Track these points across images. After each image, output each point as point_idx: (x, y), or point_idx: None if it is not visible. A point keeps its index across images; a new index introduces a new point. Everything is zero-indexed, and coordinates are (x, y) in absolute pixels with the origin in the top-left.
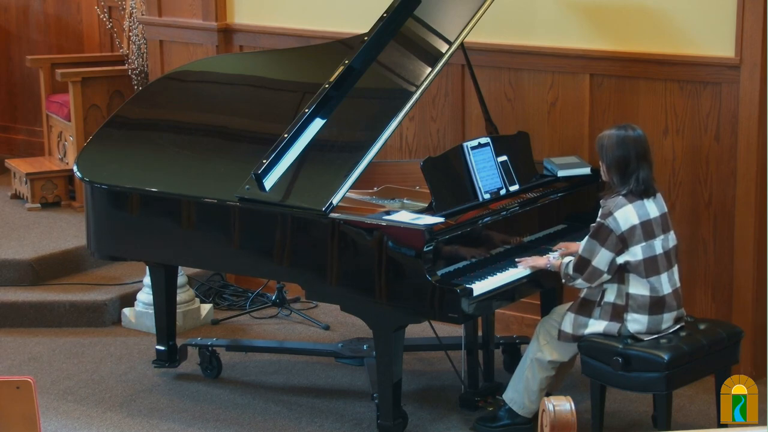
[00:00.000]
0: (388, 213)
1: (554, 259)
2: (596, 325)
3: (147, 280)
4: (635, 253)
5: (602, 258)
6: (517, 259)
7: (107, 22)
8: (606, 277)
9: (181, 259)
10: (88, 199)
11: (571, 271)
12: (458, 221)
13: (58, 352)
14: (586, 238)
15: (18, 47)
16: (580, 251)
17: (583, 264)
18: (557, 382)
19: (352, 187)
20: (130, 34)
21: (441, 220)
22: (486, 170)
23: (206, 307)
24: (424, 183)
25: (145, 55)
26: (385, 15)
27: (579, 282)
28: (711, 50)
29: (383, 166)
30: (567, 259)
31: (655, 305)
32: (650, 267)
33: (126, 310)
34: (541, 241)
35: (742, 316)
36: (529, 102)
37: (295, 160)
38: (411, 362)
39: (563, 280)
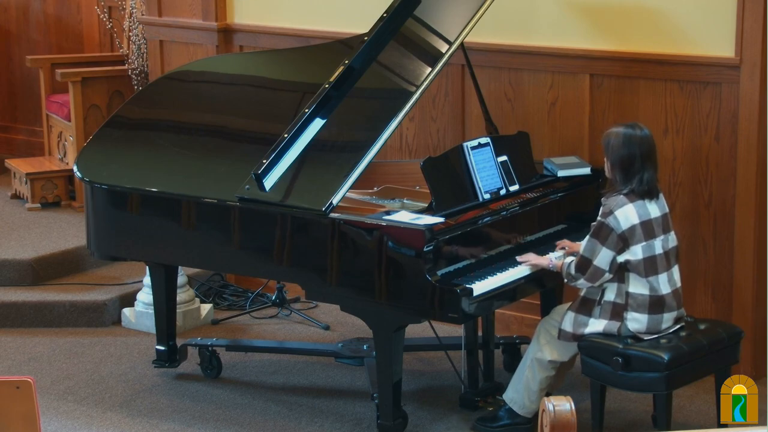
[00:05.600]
0: (388, 213)
1: (557, 259)
2: (596, 324)
3: (147, 280)
4: (635, 253)
5: (603, 257)
6: (518, 257)
7: (107, 22)
8: (608, 276)
9: (181, 259)
10: (88, 199)
11: (573, 271)
12: (458, 221)
13: (58, 352)
14: (587, 237)
15: (18, 47)
16: (581, 251)
17: (584, 264)
18: (557, 381)
19: (352, 187)
20: (130, 34)
21: (441, 220)
22: (486, 170)
23: (206, 307)
24: (424, 183)
25: (145, 55)
26: (385, 15)
27: (581, 282)
28: (711, 50)
29: (383, 166)
30: (569, 259)
31: (655, 305)
32: (649, 267)
33: (126, 310)
34: (541, 241)
35: (742, 316)
36: (529, 102)
37: (295, 160)
38: (411, 362)
39: (565, 280)
